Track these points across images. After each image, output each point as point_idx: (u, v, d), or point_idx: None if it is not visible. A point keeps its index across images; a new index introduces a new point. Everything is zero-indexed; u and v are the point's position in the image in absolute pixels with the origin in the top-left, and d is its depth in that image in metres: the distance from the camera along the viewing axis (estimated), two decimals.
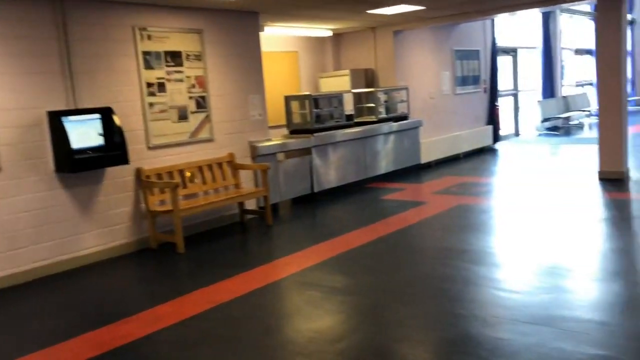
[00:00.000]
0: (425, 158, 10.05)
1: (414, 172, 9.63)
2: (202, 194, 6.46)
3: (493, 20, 11.89)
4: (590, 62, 17.69)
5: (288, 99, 8.08)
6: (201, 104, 6.51)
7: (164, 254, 5.69)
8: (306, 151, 7.74)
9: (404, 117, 9.56)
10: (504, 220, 6.21)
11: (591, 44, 17.42)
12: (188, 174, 6.30)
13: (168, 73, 6.17)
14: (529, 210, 6.41)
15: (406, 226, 6.08)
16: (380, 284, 4.35)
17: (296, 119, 8.18)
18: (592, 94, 17.47)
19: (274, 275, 4.74)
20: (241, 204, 6.80)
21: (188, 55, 6.36)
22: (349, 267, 4.87)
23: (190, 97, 6.40)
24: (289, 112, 8.06)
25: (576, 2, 8.74)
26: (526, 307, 3.64)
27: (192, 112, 6.42)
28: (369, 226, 6.17)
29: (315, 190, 7.88)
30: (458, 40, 11.08)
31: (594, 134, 13.51)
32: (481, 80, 11.83)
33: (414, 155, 9.78)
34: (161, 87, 6.12)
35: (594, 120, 16.19)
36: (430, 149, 10.19)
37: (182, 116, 6.33)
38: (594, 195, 6.91)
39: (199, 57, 6.47)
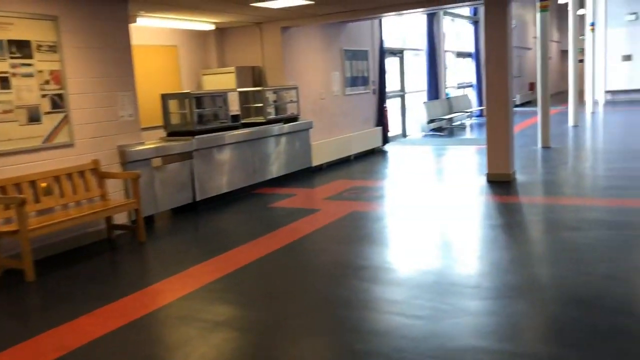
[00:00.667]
0: (316, 161, 9.64)
1: (305, 175, 9.18)
2: (60, 208, 5.51)
3: (381, 21, 11.79)
4: (470, 64, 18.40)
5: (165, 98, 7.26)
6: (58, 103, 5.55)
7: (9, 283, 4.71)
8: (187, 155, 6.99)
9: (294, 118, 9.08)
10: (399, 229, 5.90)
11: (471, 47, 18.20)
12: (43, 185, 5.33)
13: (13, 66, 5.16)
14: (423, 217, 6.17)
15: (298, 238, 5.57)
16: (270, 314, 3.78)
17: (175, 119, 7.38)
18: (472, 95, 18.20)
19: (143, 308, 4.00)
20: (109, 219, 5.92)
21: (39, 45, 5.37)
22: (235, 293, 4.26)
23: (44, 95, 5.42)
24: (166, 113, 7.25)
25: (459, 5, 8.74)
26: (432, 337, 3.25)
27: (46, 113, 5.45)
28: (258, 239, 5.59)
29: (198, 198, 7.14)
30: (347, 40, 10.81)
31: (476, 134, 13.99)
32: (370, 81, 11.67)
33: (305, 158, 9.34)
34: (4, 82, 5.09)
35: (475, 121, 16.84)
36: (321, 151, 9.81)
37: (33, 117, 5.34)
38: (485, 200, 6.85)
39: (53, 49, 5.50)
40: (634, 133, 12.62)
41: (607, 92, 20.87)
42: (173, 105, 7.36)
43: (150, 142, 6.76)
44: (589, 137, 12.13)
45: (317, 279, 4.44)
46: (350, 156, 10.76)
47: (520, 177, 7.83)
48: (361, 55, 11.31)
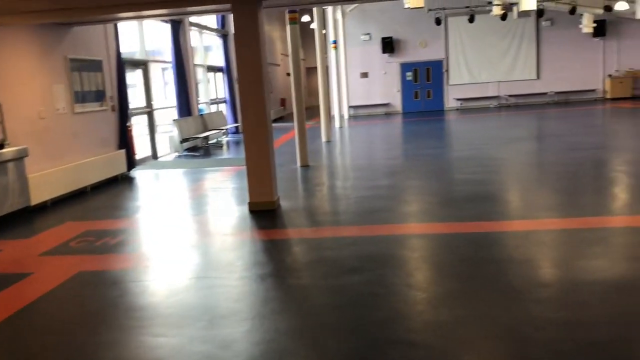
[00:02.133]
0: (37, 198, 7.58)
1: (21, 219, 7.08)
2: None
3: (117, 27, 10.11)
4: (222, 79, 17.62)
5: None
6: None
7: None
8: None
9: None
10: (142, 296, 4.48)
11: (221, 62, 17.41)
12: None
13: None
14: (175, 272, 4.86)
15: None
16: None
17: None
18: (226, 112, 17.42)
19: None
20: None
21: None
22: None
23: None
24: None
25: (203, 7, 7.61)
26: None
27: None
28: None
29: None
30: (74, 47, 8.90)
31: (233, 153, 13.14)
32: (107, 97, 9.89)
33: (20, 195, 7.22)
34: None
35: (231, 138, 16.06)
36: (44, 184, 7.76)
37: None
38: (250, 237, 5.83)
39: None
40: (378, 147, 13.16)
41: (350, 107, 22.14)
42: None
43: None
44: (342, 154, 12.18)
45: None
46: (86, 187, 8.86)
47: (284, 204, 7.05)
48: (93, 65, 9.47)
